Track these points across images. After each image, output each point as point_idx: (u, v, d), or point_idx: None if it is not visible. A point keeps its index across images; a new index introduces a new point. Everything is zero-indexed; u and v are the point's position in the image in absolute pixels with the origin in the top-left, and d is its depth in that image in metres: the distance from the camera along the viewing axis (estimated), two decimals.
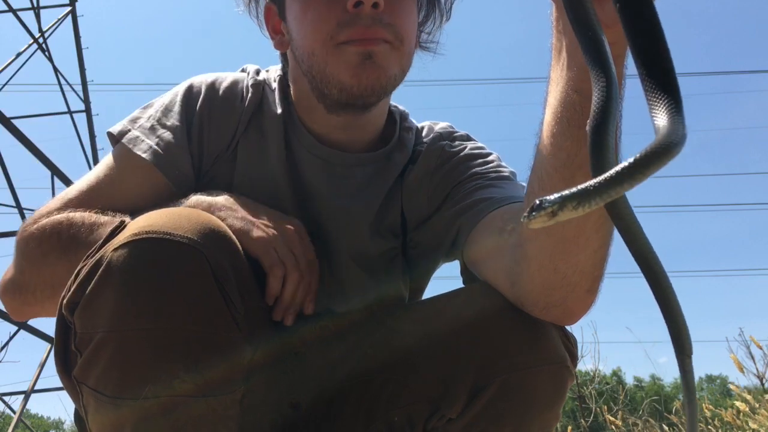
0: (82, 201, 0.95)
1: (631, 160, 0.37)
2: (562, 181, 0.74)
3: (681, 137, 0.38)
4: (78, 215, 0.91)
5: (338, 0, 0.92)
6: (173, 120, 1.00)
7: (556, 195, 0.37)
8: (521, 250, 0.81)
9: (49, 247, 0.89)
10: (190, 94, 1.02)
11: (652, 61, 0.42)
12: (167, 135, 0.98)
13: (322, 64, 0.95)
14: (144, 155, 0.96)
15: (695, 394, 0.50)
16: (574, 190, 0.38)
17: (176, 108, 1.01)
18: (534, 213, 0.38)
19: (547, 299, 0.82)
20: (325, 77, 0.95)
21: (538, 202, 0.38)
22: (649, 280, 0.48)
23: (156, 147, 0.97)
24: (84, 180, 1.00)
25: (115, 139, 1.01)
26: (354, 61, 0.92)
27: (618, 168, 0.37)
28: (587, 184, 0.37)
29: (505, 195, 0.97)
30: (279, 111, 1.04)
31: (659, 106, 0.40)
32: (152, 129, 0.99)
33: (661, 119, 0.39)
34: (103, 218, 0.91)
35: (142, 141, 0.98)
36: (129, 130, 0.99)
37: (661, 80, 0.41)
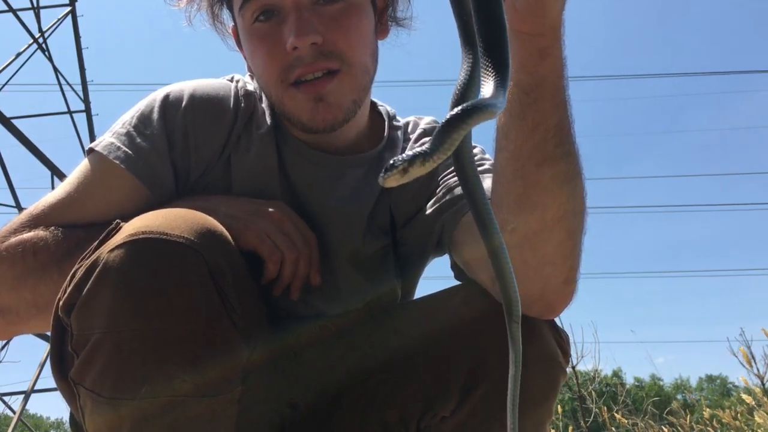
0: (50, 217, 0.92)
1: (455, 112, 0.43)
2: (514, 174, 0.77)
3: (499, 102, 0.46)
4: (50, 233, 0.88)
5: (279, 41, 0.93)
6: (151, 128, 0.96)
7: (405, 154, 0.43)
8: None
9: (23, 269, 0.86)
10: (168, 102, 0.98)
11: (492, 42, 0.50)
12: (145, 142, 0.95)
13: (280, 105, 0.98)
14: (120, 162, 0.93)
15: (520, 358, 0.57)
16: (419, 149, 0.44)
17: (155, 116, 0.97)
18: (388, 172, 0.43)
19: (524, 294, 0.83)
20: (285, 114, 0.99)
21: (391, 162, 0.43)
22: (488, 248, 0.54)
23: (133, 153, 0.94)
24: (53, 194, 0.95)
25: (89, 150, 0.97)
26: (307, 105, 0.94)
27: (447, 122, 0.44)
28: (428, 144, 0.44)
29: (486, 189, 0.97)
30: (269, 121, 1.03)
31: (489, 78, 0.48)
32: (128, 135, 0.95)
33: (488, 87, 0.48)
34: (80, 232, 0.89)
35: (118, 148, 0.94)
36: (103, 139, 0.96)
37: (496, 58, 0.49)
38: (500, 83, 0.47)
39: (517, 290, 0.56)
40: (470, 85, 0.49)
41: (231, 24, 1.08)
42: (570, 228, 0.79)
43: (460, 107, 0.44)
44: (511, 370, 0.58)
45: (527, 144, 0.74)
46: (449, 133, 0.43)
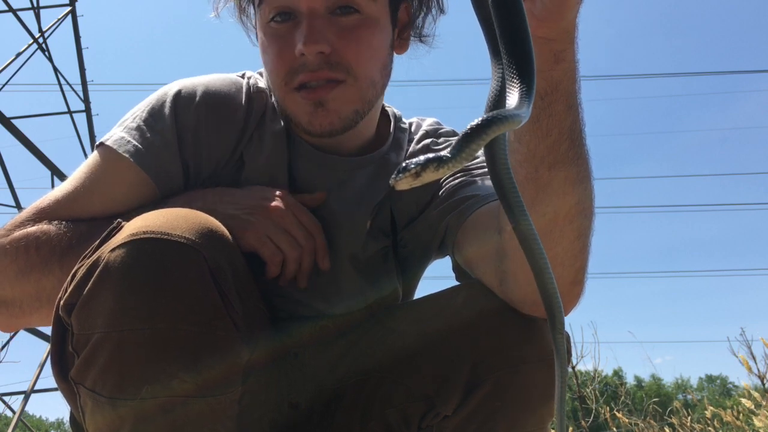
0: (56, 211, 0.92)
1: (477, 122, 0.43)
2: (527, 176, 0.77)
3: (523, 112, 0.45)
4: (54, 227, 0.88)
5: (290, 44, 0.93)
6: (162, 124, 0.96)
7: (419, 158, 0.43)
8: (504, 250, 0.84)
9: (26, 263, 0.86)
10: (180, 98, 0.98)
11: (518, 52, 0.50)
12: (155, 137, 0.95)
13: (283, 105, 0.99)
14: (130, 156, 0.93)
15: (567, 369, 0.54)
16: (434, 155, 0.43)
17: (166, 111, 0.96)
18: (400, 174, 0.43)
19: (533, 296, 0.83)
20: (287, 115, 1.00)
21: (404, 164, 0.43)
22: (529, 259, 0.53)
23: (143, 148, 0.94)
24: (60, 188, 0.95)
25: (99, 144, 0.97)
26: (307, 109, 0.95)
27: (467, 132, 0.43)
28: (446, 150, 0.43)
29: (490, 191, 0.97)
30: (282, 123, 1.03)
31: (514, 88, 0.48)
32: (139, 130, 0.95)
33: (513, 98, 0.47)
34: (83, 227, 0.89)
35: (128, 142, 0.94)
36: (113, 133, 0.96)
37: (522, 69, 0.49)
38: (525, 93, 0.47)
39: (561, 303, 0.55)
40: (501, 95, 0.49)
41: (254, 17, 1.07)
42: (580, 229, 0.79)
43: (481, 117, 0.43)
44: (557, 383, 0.57)
45: (540, 147, 0.74)
46: (469, 143, 0.43)
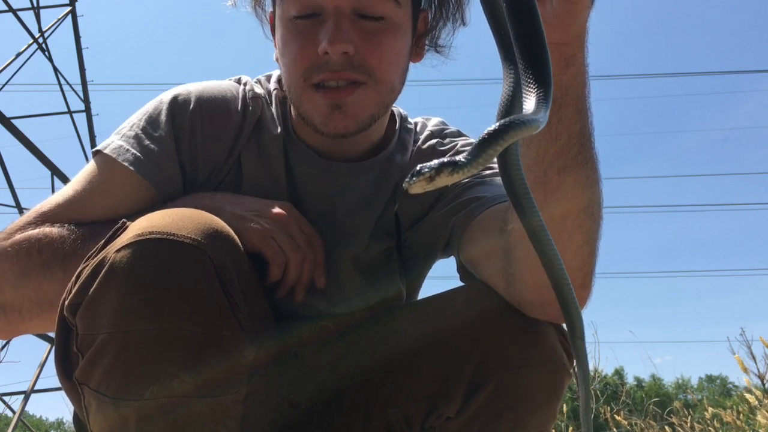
0: (58, 215, 0.91)
1: (493, 127, 0.43)
2: (535, 180, 0.77)
3: (541, 117, 0.45)
4: (56, 230, 0.88)
5: (313, 41, 0.92)
6: (159, 131, 0.96)
7: (433, 162, 0.43)
8: (512, 252, 0.84)
9: (27, 265, 0.86)
10: (176, 104, 0.98)
11: (534, 57, 0.50)
12: (154, 144, 0.95)
13: (297, 102, 0.98)
14: (129, 164, 0.93)
15: (589, 375, 0.55)
16: (449, 159, 0.43)
17: (163, 118, 0.97)
18: (414, 178, 0.43)
19: (541, 298, 0.83)
20: (300, 112, 0.99)
21: (417, 168, 0.43)
22: (543, 262, 0.53)
23: (142, 156, 0.94)
24: (61, 193, 0.95)
25: (96, 152, 0.97)
26: (323, 110, 0.94)
27: (483, 138, 0.43)
28: (462, 155, 0.43)
29: (497, 193, 0.97)
30: (279, 130, 1.03)
31: (531, 93, 0.48)
32: (137, 138, 0.95)
33: (530, 103, 0.47)
34: (86, 230, 0.88)
35: (127, 150, 0.94)
36: (111, 141, 0.96)
37: (538, 74, 0.49)
38: (543, 98, 0.47)
39: (579, 307, 0.54)
40: (515, 100, 0.49)
41: (270, 9, 1.07)
42: (588, 233, 0.79)
43: (499, 123, 0.43)
44: (581, 390, 0.56)
45: (549, 151, 0.74)
46: (485, 149, 0.43)
